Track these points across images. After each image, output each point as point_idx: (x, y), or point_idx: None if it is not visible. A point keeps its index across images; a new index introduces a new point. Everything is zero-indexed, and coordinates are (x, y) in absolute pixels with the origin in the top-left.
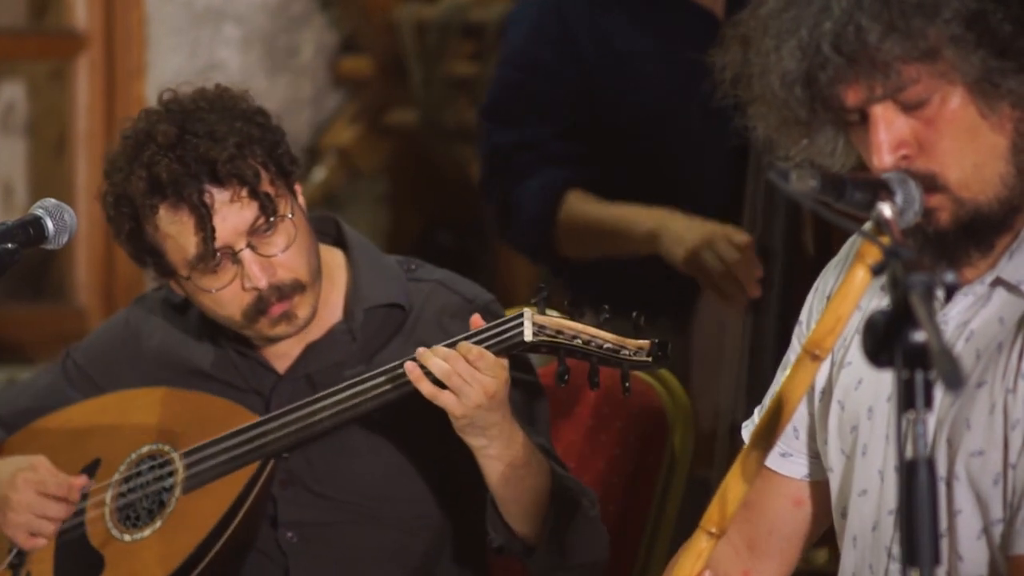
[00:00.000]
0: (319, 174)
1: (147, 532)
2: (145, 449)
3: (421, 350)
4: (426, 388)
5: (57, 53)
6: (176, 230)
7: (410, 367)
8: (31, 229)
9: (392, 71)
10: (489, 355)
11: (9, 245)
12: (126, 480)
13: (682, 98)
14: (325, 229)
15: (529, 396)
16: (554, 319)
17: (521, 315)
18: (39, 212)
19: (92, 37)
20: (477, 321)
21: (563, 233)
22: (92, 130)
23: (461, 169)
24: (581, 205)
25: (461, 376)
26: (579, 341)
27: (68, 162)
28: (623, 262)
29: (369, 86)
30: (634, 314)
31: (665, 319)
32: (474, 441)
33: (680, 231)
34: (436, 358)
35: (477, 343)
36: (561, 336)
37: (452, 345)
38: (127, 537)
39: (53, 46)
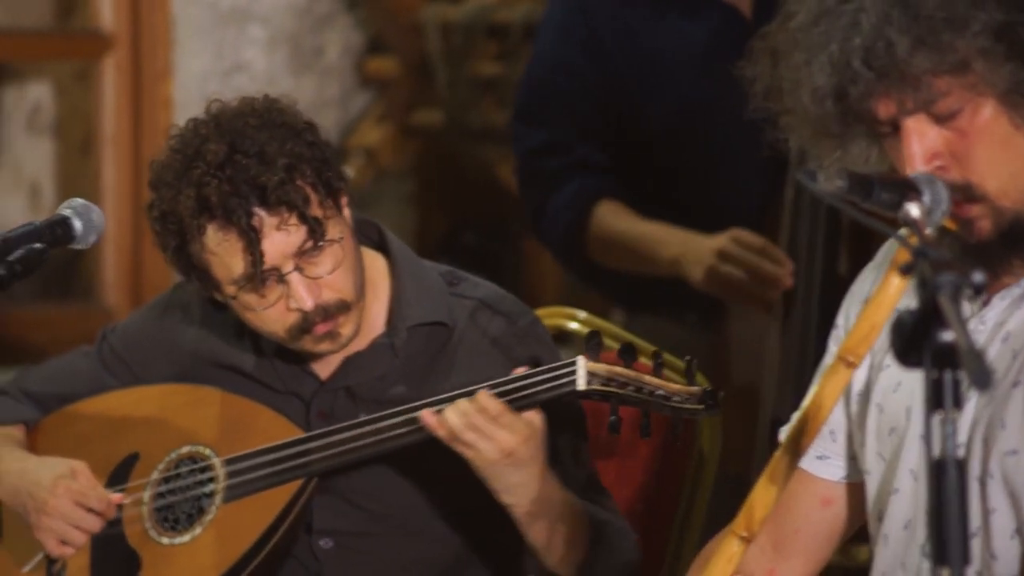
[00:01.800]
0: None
1: (186, 538)
2: (185, 450)
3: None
4: (444, 434)
5: (83, 54)
6: (223, 251)
7: (425, 415)
8: (59, 229)
9: (418, 72)
10: (508, 414)
11: (37, 245)
12: (165, 480)
13: (709, 97)
14: (367, 233)
15: (574, 429)
16: (607, 367)
17: (574, 363)
18: (67, 212)
19: (118, 38)
20: (519, 370)
21: (593, 244)
22: (118, 131)
23: (487, 169)
24: (611, 219)
25: (478, 430)
26: (631, 389)
27: (95, 162)
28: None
29: (395, 87)
30: (686, 358)
31: (695, 315)
32: (502, 497)
33: (694, 253)
34: (451, 412)
35: (528, 387)
36: (614, 384)
37: (496, 387)
38: (165, 540)
39: (79, 47)
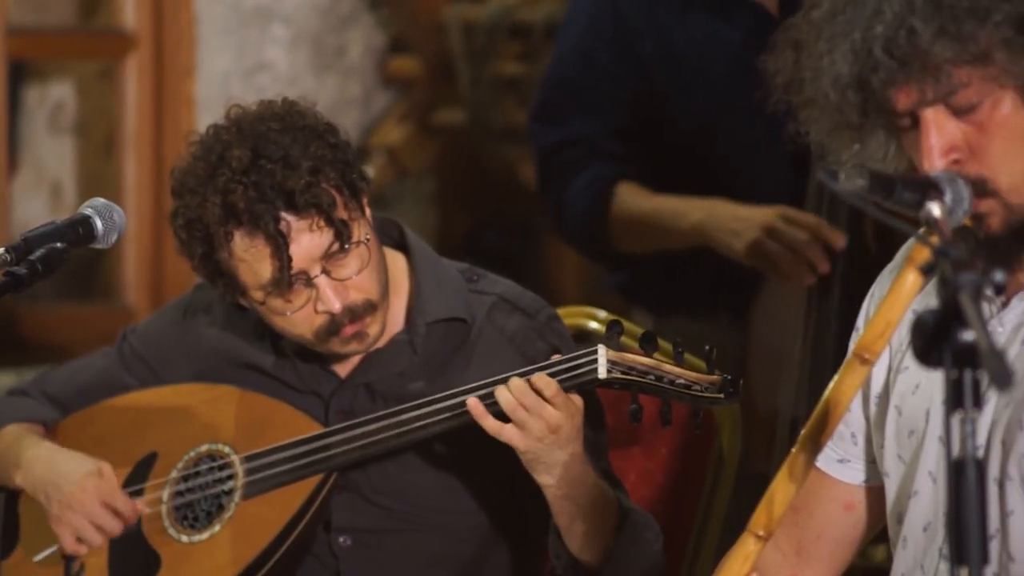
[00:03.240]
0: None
1: (205, 535)
2: (204, 448)
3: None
4: (490, 424)
5: (106, 53)
6: (251, 256)
7: (472, 404)
8: (80, 228)
9: (440, 71)
10: (561, 392)
11: (58, 244)
12: (184, 479)
13: (739, 96)
14: (387, 231)
15: (593, 421)
16: (628, 356)
17: (595, 351)
18: (88, 211)
19: (141, 37)
20: (555, 356)
21: (614, 227)
22: (141, 130)
23: (509, 169)
24: (631, 198)
25: (527, 408)
26: (652, 378)
27: (117, 162)
28: (675, 261)
29: (417, 86)
30: (707, 348)
31: (723, 316)
32: (540, 478)
33: (732, 223)
34: (504, 389)
35: (550, 376)
36: (634, 372)
37: (525, 375)
38: (184, 538)
39: (102, 46)
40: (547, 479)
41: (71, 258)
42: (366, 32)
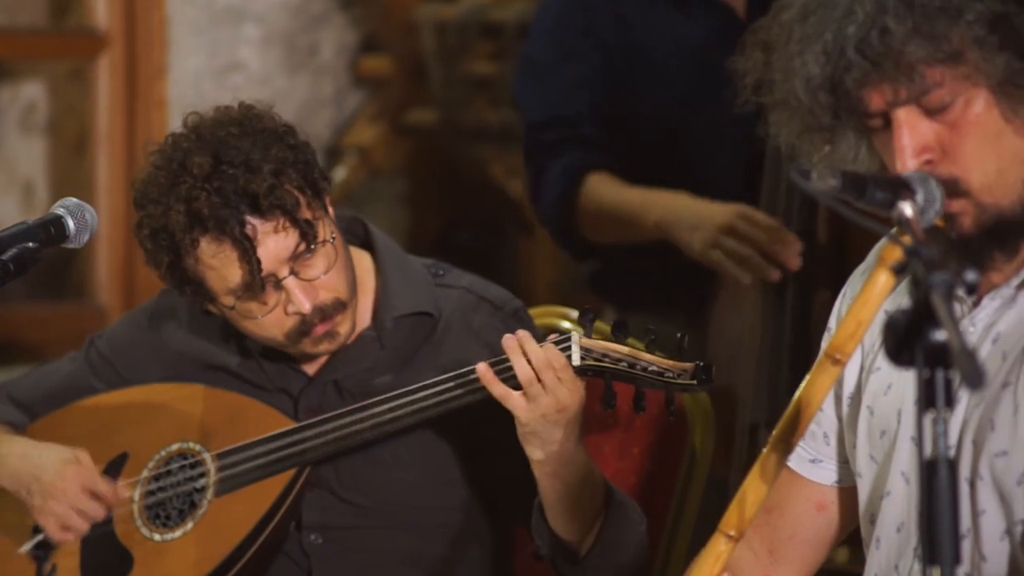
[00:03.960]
0: (339, 173)
1: (178, 533)
2: (175, 447)
3: (520, 335)
4: (499, 390)
5: (78, 53)
6: (219, 263)
7: (483, 369)
8: (52, 228)
9: (412, 71)
10: (571, 370)
11: (30, 244)
12: (156, 478)
13: (697, 94)
14: (353, 230)
15: None
16: (601, 343)
17: (568, 338)
18: (60, 211)
19: (113, 37)
20: (507, 340)
21: (582, 216)
22: (113, 130)
23: (480, 169)
24: (599, 188)
25: (544, 383)
26: (625, 365)
27: (89, 161)
28: (638, 256)
29: (389, 86)
30: (679, 335)
31: (680, 315)
32: (533, 453)
33: (691, 220)
34: (523, 360)
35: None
36: (607, 360)
37: (494, 364)
38: (157, 537)
39: (74, 46)
40: (539, 455)
41: (43, 258)
42: (338, 32)
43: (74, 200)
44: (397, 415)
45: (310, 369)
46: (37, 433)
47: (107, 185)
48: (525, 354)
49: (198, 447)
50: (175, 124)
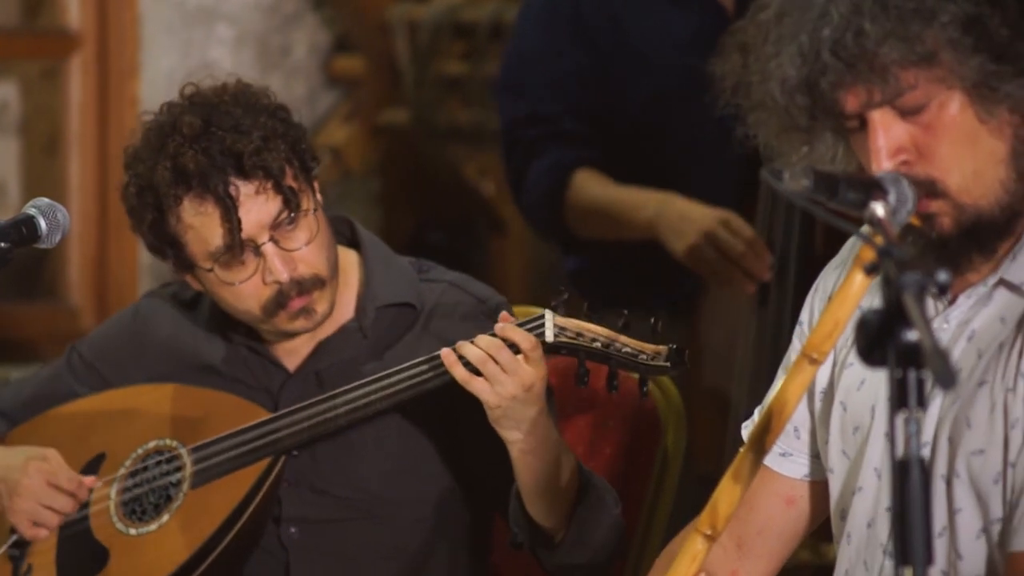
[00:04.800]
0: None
1: (153, 526)
2: (152, 444)
3: (458, 345)
4: (460, 373)
5: (50, 53)
6: (200, 222)
7: (446, 353)
8: (24, 228)
9: (385, 71)
10: (540, 349)
11: (2, 244)
12: (132, 475)
13: (686, 89)
14: (340, 230)
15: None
16: (575, 321)
17: (542, 316)
18: (32, 211)
19: (85, 37)
20: (506, 316)
21: (570, 213)
22: (85, 130)
23: (453, 169)
24: (588, 185)
25: (500, 365)
26: (599, 344)
27: (61, 161)
28: (625, 257)
29: (362, 86)
30: (652, 319)
31: (669, 312)
32: (507, 434)
33: (678, 223)
34: (470, 345)
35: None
36: (581, 339)
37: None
38: (133, 531)
39: (46, 46)
40: (515, 435)
41: (15, 258)
42: (311, 32)
43: (46, 200)
44: (370, 400)
45: (291, 364)
46: (15, 439)
47: (79, 185)
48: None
49: (174, 443)
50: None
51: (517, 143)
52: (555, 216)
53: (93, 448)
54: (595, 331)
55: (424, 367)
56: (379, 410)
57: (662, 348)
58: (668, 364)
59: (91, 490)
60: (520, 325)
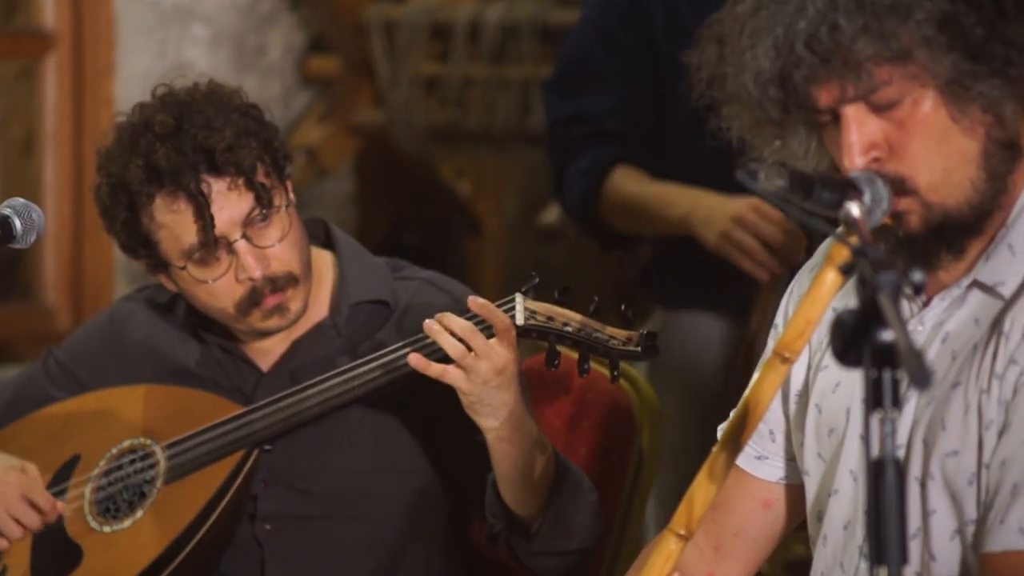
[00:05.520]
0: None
1: (127, 523)
2: (126, 444)
3: (438, 316)
4: (434, 370)
5: (25, 53)
6: (173, 219)
7: (414, 359)
8: None
9: (360, 71)
10: (512, 330)
11: None
12: (106, 474)
13: None
14: (314, 231)
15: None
16: (545, 305)
17: (513, 299)
18: (7, 211)
19: (60, 37)
20: (474, 301)
21: (607, 209)
22: (60, 130)
23: (428, 169)
24: (624, 182)
25: (476, 351)
26: (570, 328)
27: (36, 162)
28: (685, 255)
29: (337, 86)
30: (622, 307)
31: (731, 311)
32: (484, 421)
33: (708, 213)
34: (450, 337)
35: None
36: (552, 323)
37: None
38: (106, 528)
39: (21, 45)
40: (491, 422)
41: None
42: (286, 32)
43: (21, 200)
44: (344, 388)
45: (265, 363)
46: None
47: (54, 185)
48: (449, 329)
49: (148, 441)
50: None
51: (559, 143)
52: (593, 214)
53: (68, 451)
54: (566, 315)
55: (397, 354)
56: (354, 398)
57: (634, 334)
58: (639, 349)
59: (65, 489)
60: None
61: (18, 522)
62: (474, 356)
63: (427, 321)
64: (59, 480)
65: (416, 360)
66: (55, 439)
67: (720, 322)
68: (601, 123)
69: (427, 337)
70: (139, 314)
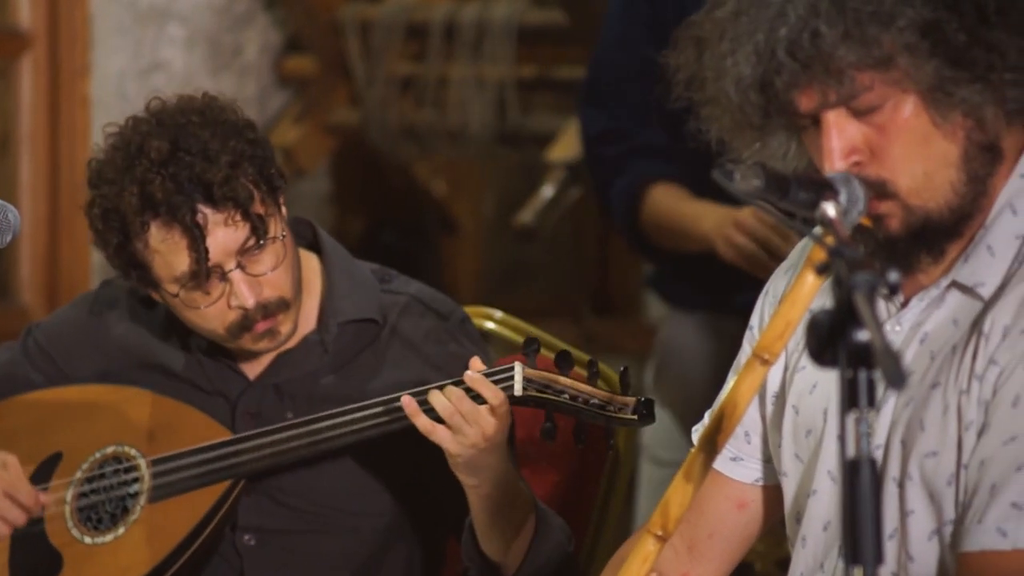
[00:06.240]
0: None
1: (109, 537)
2: (110, 450)
3: (431, 394)
4: (422, 423)
5: (0, 52)
6: (167, 248)
7: (407, 401)
8: None
9: (336, 71)
10: (507, 404)
11: None
12: (88, 480)
13: None
14: (301, 232)
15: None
16: (544, 373)
17: (512, 368)
18: None
19: (36, 36)
20: (477, 363)
21: (647, 227)
22: (36, 129)
23: (404, 169)
24: (661, 200)
25: (463, 416)
26: (567, 396)
27: (11, 161)
28: (691, 261)
29: (313, 86)
30: (622, 368)
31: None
32: (465, 479)
33: (717, 220)
34: (440, 395)
35: (467, 391)
36: (549, 391)
37: (457, 384)
38: (88, 539)
39: None
40: (472, 480)
41: None
42: (262, 31)
43: None
44: (334, 434)
45: (251, 372)
46: None
47: (30, 185)
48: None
49: (133, 451)
50: (98, 124)
51: (598, 160)
52: (635, 233)
53: (50, 446)
54: (563, 383)
55: (389, 407)
56: (344, 444)
57: (630, 400)
58: (635, 417)
59: (45, 488)
60: (489, 375)
61: (3, 519)
62: (463, 420)
63: (405, 398)
64: (39, 478)
65: (408, 404)
66: (37, 431)
67: (727, 323)
68: (635, 138)
69: (423, 392)
70: (121, 304)
